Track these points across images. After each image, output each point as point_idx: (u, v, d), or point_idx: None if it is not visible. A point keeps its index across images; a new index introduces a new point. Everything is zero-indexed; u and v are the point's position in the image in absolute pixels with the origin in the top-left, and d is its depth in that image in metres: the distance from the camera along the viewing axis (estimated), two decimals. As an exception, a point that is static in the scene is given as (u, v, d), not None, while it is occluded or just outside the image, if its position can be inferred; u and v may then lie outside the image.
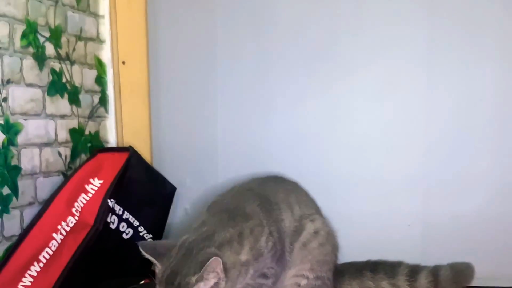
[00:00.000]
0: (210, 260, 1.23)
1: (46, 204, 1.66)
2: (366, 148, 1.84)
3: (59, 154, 1.76)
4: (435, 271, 1.66)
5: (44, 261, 1.54)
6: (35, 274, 1.51)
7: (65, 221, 1.62)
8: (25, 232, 1.59)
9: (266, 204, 1.49)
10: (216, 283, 1.28)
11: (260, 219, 1.43)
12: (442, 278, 1.64)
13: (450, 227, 1.78)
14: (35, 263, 1.53)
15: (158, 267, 1.31)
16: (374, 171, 1.83)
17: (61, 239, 1.59)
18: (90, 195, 1.67)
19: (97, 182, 1.70)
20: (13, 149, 1.57)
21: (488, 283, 1.72)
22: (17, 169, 1.58)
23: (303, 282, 1.56)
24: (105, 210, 1.63)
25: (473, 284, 1.69)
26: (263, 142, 1.91)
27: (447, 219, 1.78)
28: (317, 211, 1.65)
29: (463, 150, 1.78)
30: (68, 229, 1.62)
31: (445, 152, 1.79)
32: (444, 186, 1.79)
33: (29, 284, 1.49)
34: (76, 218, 1.63)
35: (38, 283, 1.50)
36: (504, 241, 1.75)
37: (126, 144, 1.98)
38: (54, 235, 1.59)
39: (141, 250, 1.34)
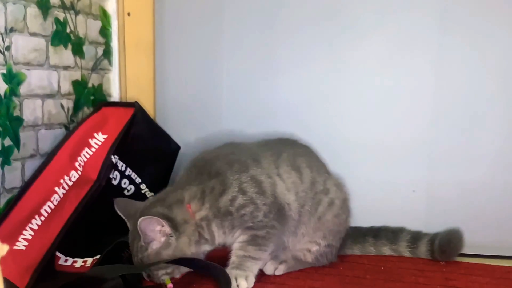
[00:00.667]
0: (138, 222, 1.33)
1: (49, 157, 1.63)
2: (372, 113, 1.82)
3: (62, 106, 1.73)
4: (433, 239, 1.67)
5: (46, 214, 1.52)
6: (36, 227, 1.49)
7: (67, 175, 1.60)
8: (27, 184, 1.56)
9: (248, 164, 1.49)
10: (166, 239, 1.38)
11: (227, 177, 1.45)
12: (436, 247, 1.66)
13: (455, 194, 1.77)
14: (37, 217, 1.50)
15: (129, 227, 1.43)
16: (380, 136, 1.81)
17: (63, 193, 1.57)
18: (93, 149, 1.64)
19: (101, 137, 1.67)
20: (15, 100, 1.53)
21: (491, 252, 1.73)
22: (19, 120, 1.55)
23: (314, 248, 1.59)
24: (108, 166, 1.60)
25: (476, 253, 1.70)
26: (269, 103, 1.88)
27: (451, 186, 1.77)
28: (330, 174, 1.64)
29: (471, 118, 1.75)
30: (70, 183, 1.59)
31: (452, 119, 1.76)
32: (450, 153, 1.77)
33: (30, 237, 1.47)
34: (79, 172, 1.61)
35: (39, 236, 1.47)
36: (507, 210, 1.75)
37: (129, 99, 1.95)
38: (56, 189, 1.56)
39: (115, 206, 1.45)
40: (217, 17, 1.89)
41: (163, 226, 1.36)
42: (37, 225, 1.49)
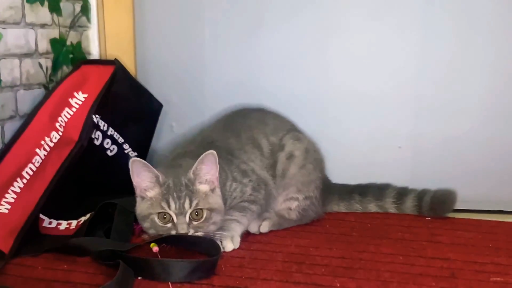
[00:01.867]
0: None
1: (29, 118, 1.58)
2: (358, 67, 1.80)
3: (40, 65, 1.68)
4: (421, 196, 1.67)
5: (28, 177, 1.48)
6: (18, 190, 1.46)
7: (48, 136, 1.55)
8: (7, 147, 1.52)
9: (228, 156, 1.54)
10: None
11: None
12: (425, 204, 1.67)
13: (441, 150, 1.77)
14: (18, 179, 1.47)
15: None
16: (366, 91, 1.79)
17: (44, 155, 1.53)
18: (74, 109, 1.61)
19: (81, 96, 1.63)
20: (-8, 60, 1.49)
21: (477, 207, 1.74)
22: (-4, 81, 1.52)
23: (294, 204, 1.60)
24: (90, 126, 1.57)
25: (461, 207, 1.70)
26: (252, 59, 1.85)
27: (438, 142, 1.77)
28: (289, 130, 1.65)
29: (457, 73, 1.74)
30: (52, 144, 1.55)
31: (438, 74, 1.75)
32: (436, 108, 1.76)
33: (12, 200, 1.44)
34: (60, 133, 1.57)
35: (22, 199, 1.45)
36: (493, 165, 1.75)
37: (109, 57, 1.90)
38: (37, 150, 1.52)
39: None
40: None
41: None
42: (19, 187, 1.46)
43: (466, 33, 1.72)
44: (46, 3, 1.69)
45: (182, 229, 1.33)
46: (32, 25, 1.64)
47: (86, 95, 1.64)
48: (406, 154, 1.79)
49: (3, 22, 1.52)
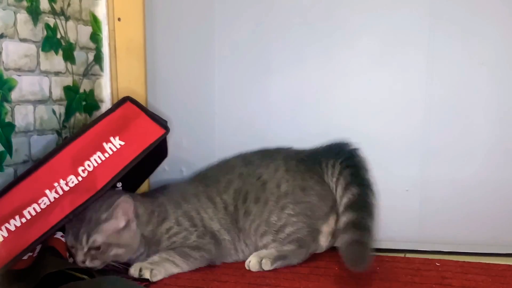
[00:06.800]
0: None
1: (47, 156, 1.51)
2: (364, 112, 1.81)
3: (53, 112, 1.72)
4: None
5: (29, 217, 1.42)
6: (13, 228, 1.39)
7: (64, 179, 1.48)
8: (15, 182, 1.47)
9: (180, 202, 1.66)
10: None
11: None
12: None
13: (449, 192, 1.76)
14: (17, 217, 1.41)
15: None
16: (373, 135, 1.79)
17: (54, 197, 1.46)
18: (107, 155, 1.53)
19: (117, 143, 1.56)
20: (7, 106, 1.53)
21: (485, 250, 1.73)
22: (11, 126, 1.55)
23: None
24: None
25: (471, 251, 1.70)
26: (261, 104, 1.88)
27: (445, 184, 1.76)
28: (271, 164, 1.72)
29: (463, 115, 1.75)
30: (66, 188, 1.47)
31: (444, 117, 1.76)
32: (443, 151, 1.76)
33: (1, 238, 1.37)
34: (80, 178, 1.49)
35: (13, 238, 1.38)
36: (502, 208, 1.74)
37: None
38: (47, 191, 1.46)
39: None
40: (208, 20, 1.88)
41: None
42: (15, 226, 1.40)
43: (472, 75, 1.73)
44: (60, 52, 1.74)
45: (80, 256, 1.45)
46: (46, 73, 1.68)
47: (123, 143, 1.56)
48: (413, 197, 1.78)
49: (19, 69, 1.57)
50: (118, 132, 1.57)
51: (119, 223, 1.50)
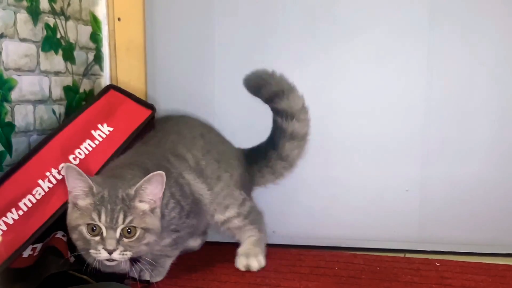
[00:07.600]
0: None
1: (37, 147, 1.52)
2: (364, 112, 1.81)
3: (53, 111, 1.72)
4: None
5: (25, 209, 1.41)
6: (11, 221, 1.38)
7: (56, 168, 1.48)
8: (6, 175, 1.46)
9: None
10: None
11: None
12: None
13: (449, 192, 1.77)
14: (13, 210, 1.39)
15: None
16: (372, 135, 1.80)
17: (48, 187, 1.45)
18: (97, 142, 1.55)
19: (106, 129, 1.58)
20: (6, 106, 1.53)
21: (485, 250, 1.73)
22: (11, 126, 1.54)
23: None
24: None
25: (470, 251, 1.70)
26: (261, 104, 1.87)
27: (446, 184, 1.77)
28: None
29: (463, 115, 1.76)
30: (59, 177, 1.46)
31: (444, 117, 1.76)
32: (443, 151, 1.77)
33: (0, 232, 1.36)
34: None
35: (13, 231, 1.37)
36: (501, 207, 1.75)
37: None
38: (40, 181, 1.45)
39: None
40: (208, 20, 1.88)
41: None
42: (13, 219, 1.39)
43: (473, 75, 1.74)
44: (60, 52, 1.74)
45: (110, 245, 1.25)
46: (46, 73, 1.68)
47: (111, 129, 1.59)
48: (413, 196, 1.78)
49: (19, 69, 1.57)
50: (106, 119, 1.60)
51: (150, 204, 1.33)
